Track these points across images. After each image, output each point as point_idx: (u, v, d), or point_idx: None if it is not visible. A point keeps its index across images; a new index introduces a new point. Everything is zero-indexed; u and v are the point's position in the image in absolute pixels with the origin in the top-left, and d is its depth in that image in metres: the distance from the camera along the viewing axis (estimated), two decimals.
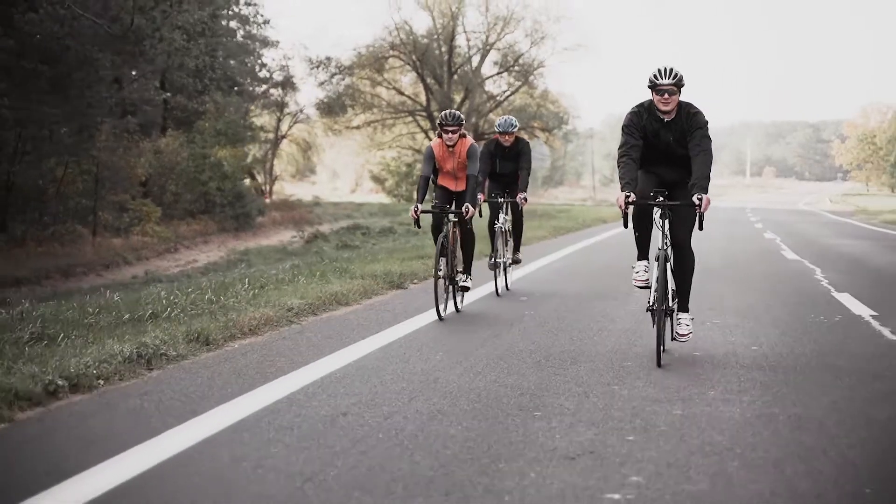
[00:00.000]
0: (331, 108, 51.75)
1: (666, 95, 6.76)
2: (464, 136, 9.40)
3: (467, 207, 9.11)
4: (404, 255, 14.61)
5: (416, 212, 8.98)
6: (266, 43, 51.21)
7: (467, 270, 9.62)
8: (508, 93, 55.01)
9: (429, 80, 53.27)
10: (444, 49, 53.58)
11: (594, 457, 4.51)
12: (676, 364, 6.78)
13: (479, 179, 9.77)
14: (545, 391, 5.85)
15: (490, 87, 55.34)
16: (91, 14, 17.21)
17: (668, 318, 7.03)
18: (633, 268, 7.26)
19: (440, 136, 9.42)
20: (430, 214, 9.36)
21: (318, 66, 51.59)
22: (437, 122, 9.47)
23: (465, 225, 9.42)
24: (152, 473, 4.22)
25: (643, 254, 7.19)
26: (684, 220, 6.89)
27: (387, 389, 5.88)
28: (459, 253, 9.48)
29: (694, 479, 4.24)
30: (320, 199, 50.09)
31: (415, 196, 8.35)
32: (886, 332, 8.43)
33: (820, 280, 12.99)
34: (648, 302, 7.01)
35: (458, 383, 6.06)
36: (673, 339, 7.09)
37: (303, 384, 5.99)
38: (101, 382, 5.92)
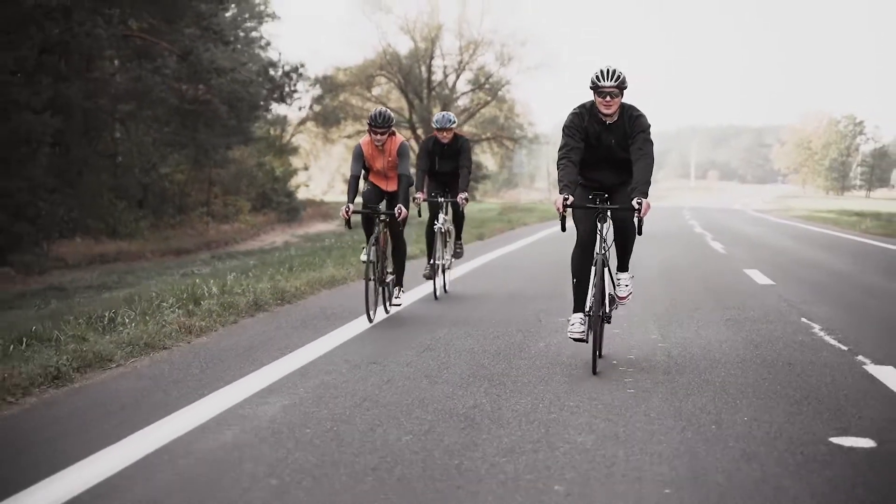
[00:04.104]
0: (326, 120, 62.27)
1: (608, 98, 6.71)
2: (394, 133, 9.23)
3: (400, 209, 9.02)
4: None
5: (346, 212, 8.86)
6: (270, 63, 61.75)
7: (399, 282, 9.63)
8: (479, 106, 65.95)
9: (410, 96, 64.08)
10: (423, 69, 64.51)
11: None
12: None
13: (412, 179, 9.54)
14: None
15: (464, 101, 66.33)
16: (258, 77, 27.75)
17: (606, 324, 7.07)
18: (569, 321, 7.05)
19: (370, 134, 9.14)
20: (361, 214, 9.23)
21: (315, 84, 62.07)
22: (367, 122, 9.07)
23: (396, 227, 9.32)
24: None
25: (580, 305, 6.98)
26: (624, 217, 6.98)
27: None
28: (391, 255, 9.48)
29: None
30: (324, 200, 60.54)
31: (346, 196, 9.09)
32: (726, 253, 19.51)
33: (707, 240, 24.12)
34: (585, 307, 6.92)
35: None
36: (613, 305, 7.16)
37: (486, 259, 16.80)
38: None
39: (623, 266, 7.45)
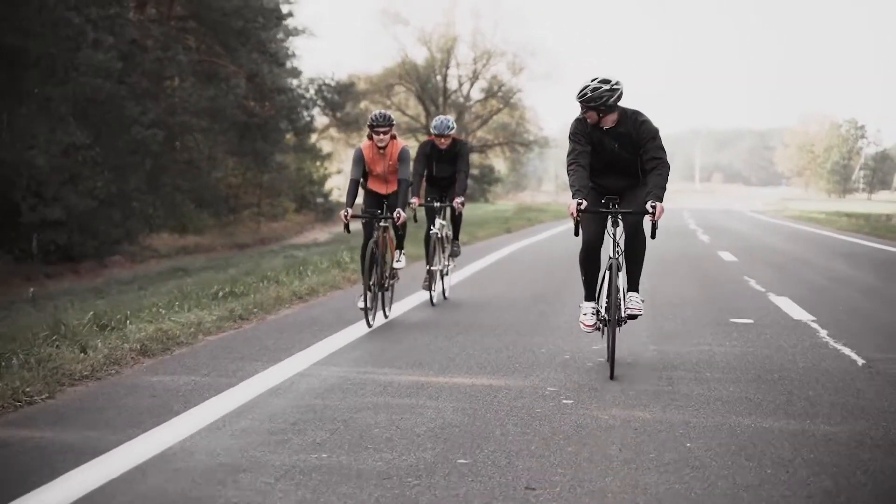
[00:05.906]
0: (348, 126, 67.28)
1: (590, 113, 6.82)
2: (394, 137, 9.41)
3: (398, 213, 9.27)
4: (488, 223, 30.40)
5: (346, 216, 9.10)
6: (294, 73, 66.84)
7: (400, 246, 9.97)
8: (492, 112, 70.95)
9: (427, 103, 69.11)
10: (439, 78, 69.58)
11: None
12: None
13: (412, 183, 9.76)
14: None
15: (478, 108, 71.39)
16: (315, 94, 33.34)
17: (619, 328, 7.03)
18: (580, 307, 7.36)
19: (370, 138, 9.34)
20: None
21: (339, 93, 67.05)
22: (368, 123, 9.32)
23: (396, 231, 9.73)
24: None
25: (591, 294, 7.26)
26: (635, 223, 7.05)
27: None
28: (390, 259, 9.69)
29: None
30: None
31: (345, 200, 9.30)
32: (709, 242, 24.41)
33: (699, 235, 29.02)
34: (600, 312, 7.16)
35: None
36: (625, 319, 7.11)
37: (530, 241, 21.78)
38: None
39: (633, 285, 7.37)
